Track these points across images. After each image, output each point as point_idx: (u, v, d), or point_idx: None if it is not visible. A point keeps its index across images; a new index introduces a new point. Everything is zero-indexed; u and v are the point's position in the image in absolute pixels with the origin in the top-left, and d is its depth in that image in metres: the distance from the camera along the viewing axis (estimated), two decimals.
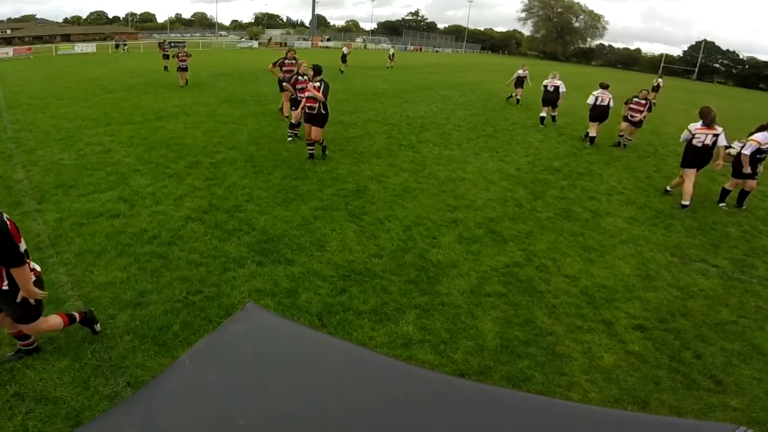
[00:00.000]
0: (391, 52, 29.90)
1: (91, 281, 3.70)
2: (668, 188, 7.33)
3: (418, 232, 5.04)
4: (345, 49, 23.81)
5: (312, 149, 7.37)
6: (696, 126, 6.57)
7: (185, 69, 14.82)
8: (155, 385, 1.28)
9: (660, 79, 21.18)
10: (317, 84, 6.81)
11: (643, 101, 10.02)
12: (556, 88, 11.74)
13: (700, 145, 6.49)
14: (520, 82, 15.24)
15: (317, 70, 6.87)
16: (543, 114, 12.05)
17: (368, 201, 5.84)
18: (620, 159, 9.25)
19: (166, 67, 19.02)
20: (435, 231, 5.12)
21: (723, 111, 21.40)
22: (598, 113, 10.06)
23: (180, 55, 14.90)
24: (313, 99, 6.82)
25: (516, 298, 3.95)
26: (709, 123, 6.47)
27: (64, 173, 6.10)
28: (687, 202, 6.65)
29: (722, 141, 6.51)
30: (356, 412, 1.17)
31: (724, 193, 6.92)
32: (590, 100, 10.05)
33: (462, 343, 3.29)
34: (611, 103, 10.05)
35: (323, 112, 6.95)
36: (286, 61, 9.87)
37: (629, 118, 9.99)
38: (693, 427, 1.28)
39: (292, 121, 8.43)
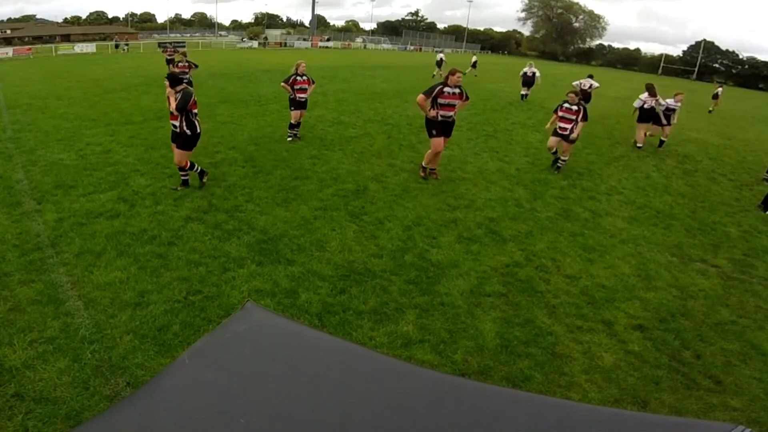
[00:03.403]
0: (473, 59, 26.82)
1: (91, 281, 3.70)
2: (638, 144, 10.25)
3: (418, 232, 5.04)
4: (441, 56, 24.59)
5: (185, 175, 5.76)
6: (643, 96, 9.91)
7: (189, 84, 10.03)
8: (155, 384, 1.28)
9: (720, 88, 21.20)
10: (178, 96, 5.30)
11: (574, 107, 7.18)
12: (534, 73, 16.27)
13: (647, 108, 9.88)
14: (585, 96, 12.01)
15: (172, 80, 5.34)
16: (523, 92, 16.75)
17: (368, 201, 5.84)
18: (620, 159, 9.26)
19: None
20: (435, 231, 5.12)
21: (725, 111, 21.53)
22: (582, 96, 13.69)
23: (180, 65, 11.40)
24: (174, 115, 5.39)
25: (516, 298, 3.95)
26: (653, 95, 9.78)
27: (64, 173, 6.10)
28: (640, 144, 10.19)
29: (659, 103, 9.85)
30: (356, 411, 1.17)
31: None
32: (575, 83, 14.32)
33: (462, 343, 3.29)
34: (592, 86, 14.24)
35: (187, 132, 5.38)
36: (446, 90, 6.21)
37: (558, 131, 7.43)
38: (693, 426, 1.28)
39: (292, 121, 8.44)
